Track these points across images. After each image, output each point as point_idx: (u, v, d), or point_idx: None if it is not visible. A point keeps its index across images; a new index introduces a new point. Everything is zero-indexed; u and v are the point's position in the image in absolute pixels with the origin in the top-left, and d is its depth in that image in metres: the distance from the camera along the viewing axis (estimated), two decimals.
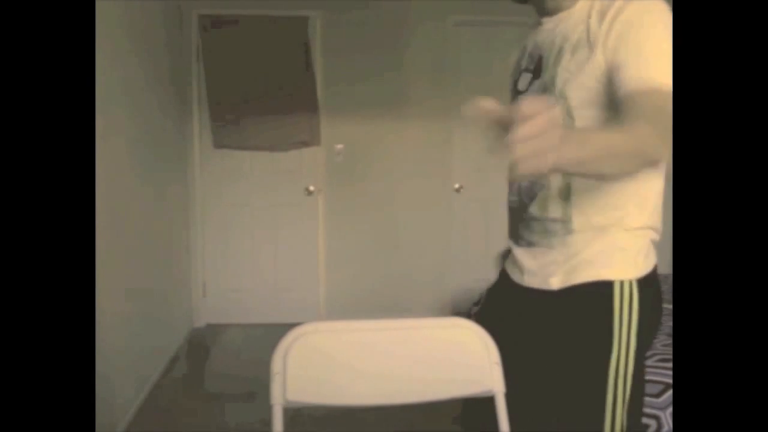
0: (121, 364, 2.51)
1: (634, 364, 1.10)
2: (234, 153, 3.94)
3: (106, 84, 2.28)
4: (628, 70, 0.99)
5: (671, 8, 0.96)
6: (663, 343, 1.93)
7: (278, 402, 1.06)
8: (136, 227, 2.76)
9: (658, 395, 1.70)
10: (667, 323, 2.17)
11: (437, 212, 4.09)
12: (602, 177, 1.02)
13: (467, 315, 1.50)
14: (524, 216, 1.21)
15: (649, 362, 1.66)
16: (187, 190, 3.85)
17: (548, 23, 1.18)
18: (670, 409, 1.68)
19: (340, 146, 3.99)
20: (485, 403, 1.13)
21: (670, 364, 1.78)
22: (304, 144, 3.96)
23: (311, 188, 3.99)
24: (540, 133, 0.68)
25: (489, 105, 0.75)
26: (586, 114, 1.09)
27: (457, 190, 4.09)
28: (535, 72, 1.19)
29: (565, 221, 1.14)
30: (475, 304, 2.49)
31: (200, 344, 3.72)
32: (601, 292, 1.10)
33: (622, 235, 1.12)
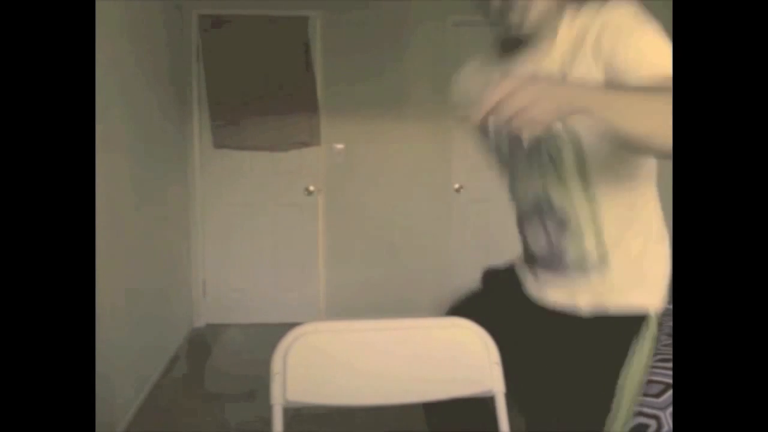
0: (121, 364, 2.51)
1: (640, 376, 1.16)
2: (234, 153, 3.94)
3: (106, 84, 2.28)
4: (637, 71, 0.97)
5: (671, 8, 0.97)
6: (663, 343, 1.93)
7: (278, 402, 1.06)
8: (136, 227, 2.76)
9: (658, 395, 1.70)
10: (667, 323, 2.17)
11: (437, 212, 4.08)
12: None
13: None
14: (554, 253, 1.21)
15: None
16: (187, 190, 3.85)
17: (526, 57, 1.15)
18: (670, 409, 1.68)
19: (340, 146, 3.99)
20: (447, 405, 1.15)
21: (670, 364, 1.78)
22: (304, 144, 3.96)
23: (311, 188, 3.99)
24: (509, 94, 0.76)
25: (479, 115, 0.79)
26: (597, 147, 1.09)
27: (457, 190, 4.09)
28: None
29: (600, 251, 1.16)
30: None
31: (200, 344, 3.72)
32: (632, 320, 1.14)
33: (650, 261, 1.16)
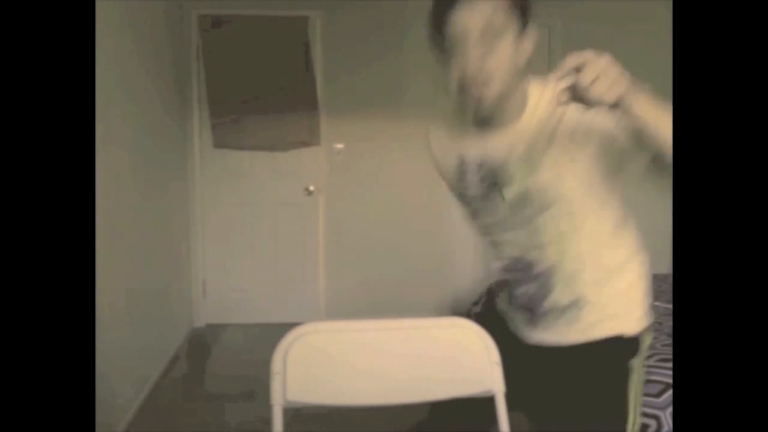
0: (121, 364, 2.51)
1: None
2: (234, 153, 3.94)
3: (106, 83, 2.28)
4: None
5: (671, 8, 0.97)
6: (663, 343, 1.93)
7: (278, 402, 1.06)
8: (136, 227, 2.76)
9: (658, 395, 1.70)
10: (667, 323, 2.17)
11: (437, 212, 4.08)
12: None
13: (467, 315, 1.50)
14: (533, 300, 1.23)
15: (649, 362, 1.66)
16: (187, 190, 3.85)
17: (497, 136, 1.16)
18: (670, 409, 1.67)
19: (340, 146, 3.99)
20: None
21: (670, 364, 1.78)
22: (304, 144, 3.96)
23: (311, 188, 3.99)
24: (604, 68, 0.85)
25: None
26: (591, 199, 1.13)
27: None
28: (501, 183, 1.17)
29: (580, 294, 1.19)
30: (475, 303, 2.48)
31: (200, 344, 3.72)
32: (619, 345, 1.18)
33: (627, 286, 1.20)
